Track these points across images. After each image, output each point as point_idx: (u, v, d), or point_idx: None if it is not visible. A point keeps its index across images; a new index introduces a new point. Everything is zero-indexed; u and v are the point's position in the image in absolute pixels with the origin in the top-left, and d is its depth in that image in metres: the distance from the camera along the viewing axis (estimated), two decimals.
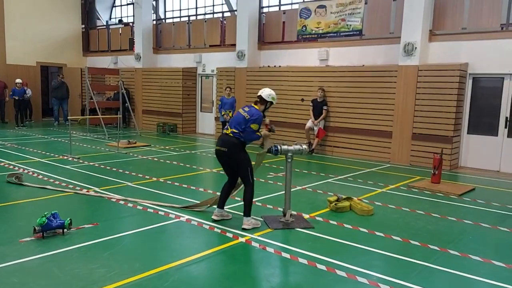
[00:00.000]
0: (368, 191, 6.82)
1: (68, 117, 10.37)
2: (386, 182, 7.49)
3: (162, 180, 7.09)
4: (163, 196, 6.09)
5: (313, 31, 11.23)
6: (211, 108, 14.27)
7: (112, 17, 20.82)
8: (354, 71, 10.32)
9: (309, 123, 10.64)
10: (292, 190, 5.21)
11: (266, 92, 5.05)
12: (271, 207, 5.66)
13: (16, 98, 14.31)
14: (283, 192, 5.17)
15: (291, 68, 11.62)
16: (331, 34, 10.97)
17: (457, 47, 9.24)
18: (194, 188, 6.67)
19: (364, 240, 4.52)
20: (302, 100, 11.16)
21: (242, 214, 4.84)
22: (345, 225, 4.99)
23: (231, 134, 4.82)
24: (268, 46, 12.65)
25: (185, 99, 14.33)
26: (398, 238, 4.61)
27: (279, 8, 13.23)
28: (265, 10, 12.95)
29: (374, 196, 6.47)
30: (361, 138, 10.23)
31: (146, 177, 7.32)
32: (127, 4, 19.58)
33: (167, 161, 9.03)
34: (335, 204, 5.54)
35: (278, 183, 7.05)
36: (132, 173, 7.57)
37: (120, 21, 18.61)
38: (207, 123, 14.47)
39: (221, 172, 8.04)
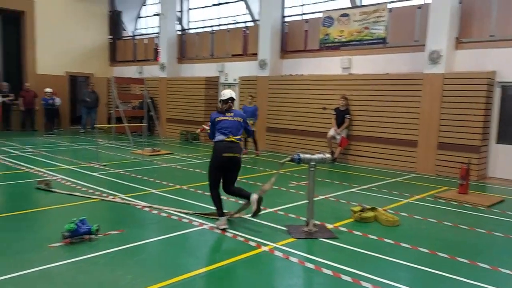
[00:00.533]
0: (393, 201, 6.71)
1: (95, 126, 10.62)
2: (411, 192, 7.35)
3: (186, 188, 7.16)
4: (187, 203, 6.14)
5: (336, 40, 11.20)
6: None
7: (137, 27, 21.32)
8: (377, 79, 10.22)
9: (331, 132, 10.57)
10: (314, 199, 5.18)
11: (234, 93, 5.36)
12: (293, 216, 5.63)
13: (50, 102, 14.81)
14: (306, 201, 5.14)
15: (313, 76, 11.61)
16: (354, 42, 10.93)
17: (485, 55, 9.04)
18: None
19: (390, 251, 4.44)
20: (324, 108, 11.11)
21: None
22: (370, 236, 4.92)
23: (238, 141, 5.17)
24: (290, 55, 12.69)
25: (208, 107, 14.47)
26: (425, 250, 4.50)
27: (302, 17, 13.26)
28: (287, 19, 13.01)
29: (400, 207, 6.36)
30: (385, 147, 10.09)
31: (170, 184, 7.40)
32: (152, 15, 20.03)
33: (190, 169, 9.12)
34: (360, 214, 5.47)
35: (300, 192, 7.01)
36: (157, 181, 7.68)
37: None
38: None
39: (243, 180, 8.09)
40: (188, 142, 14.06)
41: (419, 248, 4.55)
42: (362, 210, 5.55)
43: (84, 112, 16.14)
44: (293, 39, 12.64)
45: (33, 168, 8.41)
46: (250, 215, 5.12)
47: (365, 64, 10.92)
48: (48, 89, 15.12)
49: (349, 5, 13.27)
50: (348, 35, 10.94)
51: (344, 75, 11.14)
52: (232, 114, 5.18)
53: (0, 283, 3.42)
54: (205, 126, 5.87)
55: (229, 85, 14.45)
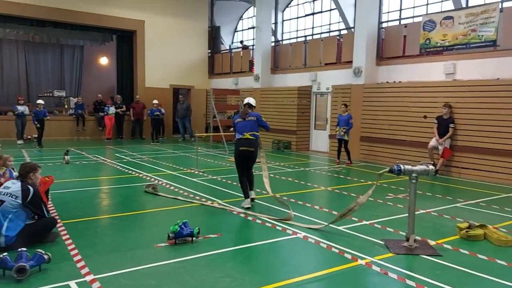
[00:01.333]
0: (505, 218, 6.06)
1: (196, 134, 11.30)
2: None
3: (279, 196, 7.23)
4: (280, 211, 6.21)
5: (438, 44, 10.53)
6: (325, 125, 14.24)
7: (234, 41, 22.31)
8: (487, 85, 9.37)
9: (432, 142, 9.92)
10: (415, 213, 4.89)
11: (253, 100, 6.81)
12: (391, 230, 5.38)
13: (156, 113, 16.21)
14: (404, 215, 4.91)
15: (413, 83, 11.03)
16: (459, 46, 10.16)
17: None
18: (309, 205, 6.69)
19: (503, 273, 4.02)
20: (425, 117, 10.48)
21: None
22: (479, 256, 4.50)
23: (252, 137, 6.45)
24: (387, 61, 12.22)
25: (300, 117, 14.55)
26: None
27: (399, 22, 12.73)
28: (384, 25, 12.57)
29: None
30: (494, 159, 9.17)
31: (263, 192, 7.55)
32: (248, 28, 20.81)
33: (282, 178, 9.22)
34: (466, 231, 5.04)
35: (398, 205, 6.69)
36: None
37: (241, 42, 19.86)
38: (320, 141, 14.45)
39: (336, 190, 7.96)
40: (280, 151, 14.25)
41: None
42: (470, 227, 5.11)
43: (179, 122, 17.38)
44: (390, 45, 12.17)
45: (141, 173, 9.22)
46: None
47: (472, 69, 10.07)
48: (155, 101, 16.53)
49: (453, 7, 12.40)
50: (452, 39, 10.22)
51: (448, 81, 10.40)
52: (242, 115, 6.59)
53: (115, 277, 3.79)
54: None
55: (321, 94, 14.39)
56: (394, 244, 4.73)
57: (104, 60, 21.74)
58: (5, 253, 3.74)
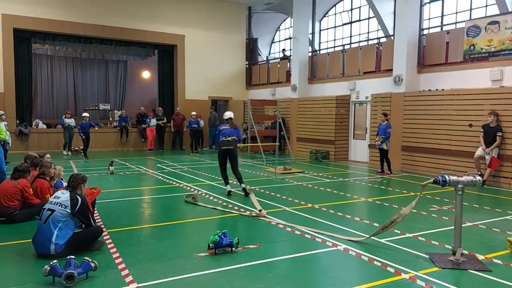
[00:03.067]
0: None
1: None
2: None
3: (317, 207, 7.18)
4: (319, 222, 6.14)
5: (483, 50, 10.15)
6: (364, 135, 13.99)
7: (271, 52, 22.47)
8: None
9: (479, 151, 9.51)
10: (462, 226, 4.69)
11: (231, 113, 8.76)
12: (436, 243, 5.18)
13: (194, 125, 16.59)
14: (450, 227, 4.73)
15: (456, 91, 10.65)
16: (506, 52, 9.74)
17: None
18: (349, 216, 6.57)
19: None
20: (470, 125, 10.08)
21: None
22: None
23: (232, 140, 8.21)
24: (428, 68, 11.89)
25: (338, 126, 14.38)
26: None
27: (441, 29, 12.37)
28: (425, 31, 12.27)
29: None
30: None
31: (302, 202, 7.51)
32: (285, 39, 20.91)
33: (321, 188, 9.13)
34: None
35: (443, 218, 6.43)
36: (289, 198, 7.87)
37: (283, 50, 19.96)
38: (359, 151, 14.20)
39: (377, 201, 7.78)
40: (317, 161, 14.12)
41: None
42: None
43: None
44: (432, 52, 11.84)
45: (181, 183, 9.41)
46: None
47: None
48: (194, 112, 16.90)
49: (498, 12, 11.93)
50: (498, 44, 9.82)
51: (494, 88, 9.97)
52: (229, 125, 8.42)
53: (157, 285, 3.85)
54: None
55: (360, 103, 14.18)
56: (440, 258, 4.55)
57: (146, 74, 22.50)
58: (55, 261, 3.90)
